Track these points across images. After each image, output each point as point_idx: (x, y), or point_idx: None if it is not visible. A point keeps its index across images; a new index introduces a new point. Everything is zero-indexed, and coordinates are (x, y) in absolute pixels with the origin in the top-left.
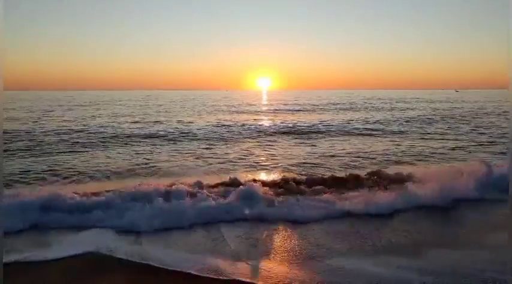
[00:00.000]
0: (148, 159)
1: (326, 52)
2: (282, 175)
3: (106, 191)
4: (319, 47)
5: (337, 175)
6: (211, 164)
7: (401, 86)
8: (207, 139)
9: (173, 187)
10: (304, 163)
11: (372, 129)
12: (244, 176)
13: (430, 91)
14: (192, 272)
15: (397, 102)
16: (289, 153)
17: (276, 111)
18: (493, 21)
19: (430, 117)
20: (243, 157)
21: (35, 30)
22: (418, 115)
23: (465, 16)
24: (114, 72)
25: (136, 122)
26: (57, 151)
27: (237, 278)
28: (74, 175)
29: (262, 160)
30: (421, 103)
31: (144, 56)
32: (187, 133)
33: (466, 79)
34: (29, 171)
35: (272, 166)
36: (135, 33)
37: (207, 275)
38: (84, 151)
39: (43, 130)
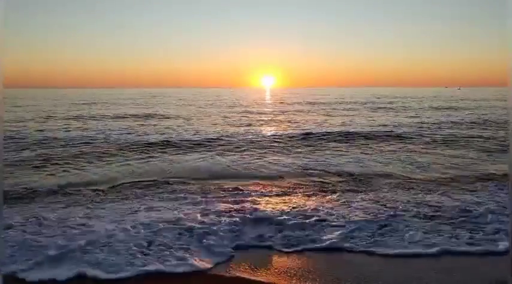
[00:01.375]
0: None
1: (326, 51)
2: None
3: None
4: (319, 46)
5: None
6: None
7: (402, 84)
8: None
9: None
10: None
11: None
12: None
13: (434, 89)
14: (196, 269)
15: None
16: None
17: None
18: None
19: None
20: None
21: (35, 29)
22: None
23: (464, 15)
24: (116, 71)
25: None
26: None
27: (241, 276)
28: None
29: None
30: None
31: (148, 56)
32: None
33: (465, 78)
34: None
35: None
36: (137, 33)
37: (212, 272)
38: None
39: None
